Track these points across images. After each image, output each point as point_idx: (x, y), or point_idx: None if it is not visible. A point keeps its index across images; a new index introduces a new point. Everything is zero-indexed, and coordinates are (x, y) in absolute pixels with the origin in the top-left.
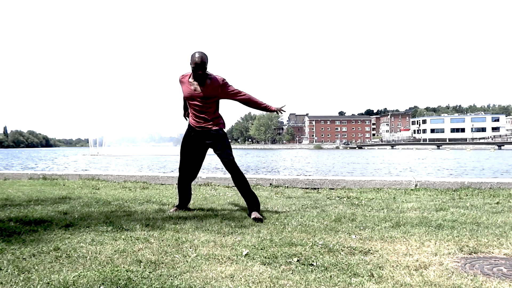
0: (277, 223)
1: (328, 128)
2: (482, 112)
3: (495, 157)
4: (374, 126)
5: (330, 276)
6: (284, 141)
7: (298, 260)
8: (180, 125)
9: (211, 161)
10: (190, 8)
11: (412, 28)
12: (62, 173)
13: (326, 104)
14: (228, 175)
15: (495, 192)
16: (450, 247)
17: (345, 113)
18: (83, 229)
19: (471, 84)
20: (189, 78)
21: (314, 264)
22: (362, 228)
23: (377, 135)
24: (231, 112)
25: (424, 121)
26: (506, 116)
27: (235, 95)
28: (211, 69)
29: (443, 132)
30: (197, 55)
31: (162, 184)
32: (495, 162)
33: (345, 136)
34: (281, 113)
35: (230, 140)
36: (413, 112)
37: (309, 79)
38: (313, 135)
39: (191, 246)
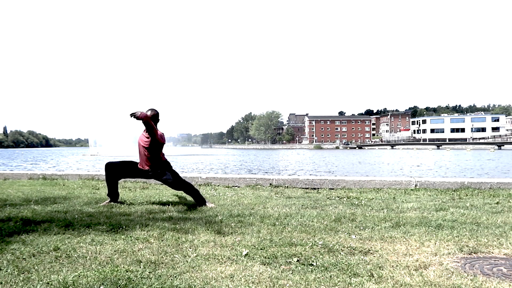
0: (277, 223)
1: (328, 128)
2: (482, 112)
3: (495, 157)
4: (374, 126)
5: (330, 276)
6: (284, 141)
7: (298, 260)
8: (179, 125)
9: (212, 161)
10: (189, 8)
11: (412, 28)
12: (62, 173)
13: (326, 104)
14: (228, 176)
15: (495, 192)
16: (450, 247)
17: (345, 113)
18: (83, 229)
19: (471, 84)
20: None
21: (314, 264)
22: (362, 228)
23: (377, 135)
24: (231, 112)
25: (424, 121)
26: (506, 116)
27: None
28: (204, 71)
29: (443, 132)
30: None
31: (162, 184)
32: (495, 162)
33: (345, 136)
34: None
35: (230, 140)
36: (413, 112)
37: (309, 79)
38: (313, 135)
39: (191, 246)
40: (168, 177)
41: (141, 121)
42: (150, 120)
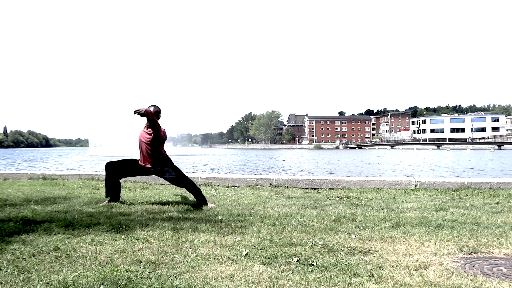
0: (277, 223)
1: (328, 128)
2: (482, 112)
3: (495, 157)
4: (374, 126)
5: (330, 276)
6: (284, 141)
7: (298, 260)
8: (179, 125)
9: (212, 161)
10: (189, 8)
11: (412, 28)
12: (62, 173)
13: (326, 104)
14: (228, 176)
15: (495, 192)
16: (450, 247)
17: (345, 113)
18: (83, 229)
19: (471, 84)
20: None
21: (314, 264)
22: (362, 228)
23: (377, 135)
24: (231, 112)
25: (424, 121)
26: (506, 116)
27: None
28: (204, 71)
29: (443, 132)
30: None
31: (162, 184)
32: (495, 162)
33: (345, 136)
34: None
35: (230, 140)
36: (413, 112)
37: (309, 79)
38: (313, 135)
39: (191, 246)
40: (171, 174)
41: (145, 117)
42: (154, 116)
